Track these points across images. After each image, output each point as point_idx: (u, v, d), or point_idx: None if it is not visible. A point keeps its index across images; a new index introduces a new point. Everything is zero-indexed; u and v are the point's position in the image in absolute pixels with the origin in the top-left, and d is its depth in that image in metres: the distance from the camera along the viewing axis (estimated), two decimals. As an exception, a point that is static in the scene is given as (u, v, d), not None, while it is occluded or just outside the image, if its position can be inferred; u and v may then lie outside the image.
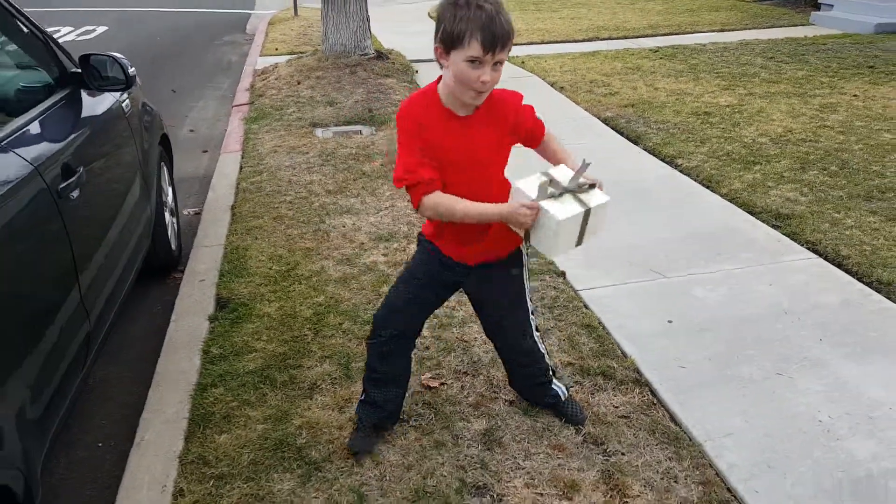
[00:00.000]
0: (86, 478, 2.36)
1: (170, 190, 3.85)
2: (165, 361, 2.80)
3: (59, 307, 2.03)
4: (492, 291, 2.20)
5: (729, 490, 2.14)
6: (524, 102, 2.00)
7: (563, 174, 1.89)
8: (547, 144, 2.06)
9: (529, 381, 2.42)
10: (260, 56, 8.95)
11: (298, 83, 6.98)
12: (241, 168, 4.97)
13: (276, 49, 9.27)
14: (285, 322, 3.02)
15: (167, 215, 3.64)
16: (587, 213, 1.83)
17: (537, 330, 2.32)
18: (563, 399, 2.42)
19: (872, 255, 3.46)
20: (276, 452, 2.27)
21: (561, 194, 1.82)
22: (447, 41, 1.73)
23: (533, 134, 2.03)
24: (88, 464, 2.41)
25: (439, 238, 2.08)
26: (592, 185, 1.87)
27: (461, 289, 2.24)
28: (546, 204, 1.79)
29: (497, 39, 1.68)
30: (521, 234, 1.90)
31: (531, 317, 2.27)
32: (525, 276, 2.20)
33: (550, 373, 2.40)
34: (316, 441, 2.32)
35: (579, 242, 1.90)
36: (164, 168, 3.75)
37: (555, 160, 2.00)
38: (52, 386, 1.92)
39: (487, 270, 2.10)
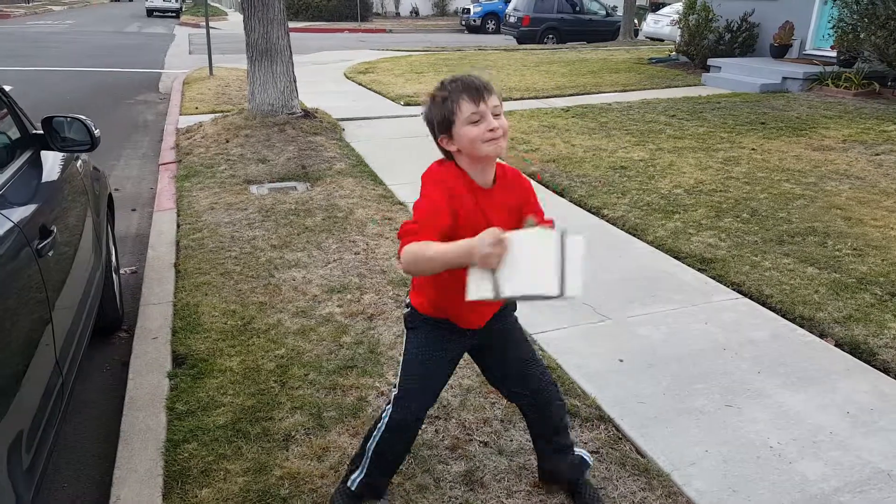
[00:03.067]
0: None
1: (113, 248, 3.76)
2: (130, 419, 2.70)
3: (42, 360, 2.00)
4: (505, 340, 2.16)
5: (700, 513, 2.28)
6: None
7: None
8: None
9: (559, 424, 2.25)
10: (180, 115, 8.85)
11: (227, 141, 6.96)
12: (178, 226, 4.88)
13: (196, 108, 9.20)
14: (249, 375, 2.99)
15: (113, 274, 3.55)
16: (562, 238, 1.66)
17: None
18: (589, 464, 2.34)
19: (792, 294, 3.80)
20: (260, 505, 2.24)
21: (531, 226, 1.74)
22: (444, 125, 1.81)
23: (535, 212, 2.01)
24: (54, 533, 2.29)
25: (440, 311, 2.00)
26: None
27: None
28: (513, 234, 1.65)
29: (481, 88, 1.78)
30: (489, 281, 1.66)
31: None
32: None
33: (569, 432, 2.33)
34: (299, 491, 2.30)
35: (562, 287, 1.65)
36: (109, 226, 3.67)
37: None
38: (38, 434, 1.87)
39: (492, 324, 2.08)
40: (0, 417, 1.65)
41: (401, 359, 2.10)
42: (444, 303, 1.97)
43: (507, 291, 1.63)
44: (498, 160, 1.91)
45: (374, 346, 3.24)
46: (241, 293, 3.78)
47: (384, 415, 2.12)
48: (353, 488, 2.19)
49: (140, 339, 3.33)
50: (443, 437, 2.62)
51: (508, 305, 2.12)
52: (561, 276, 1.64)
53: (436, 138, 1.87)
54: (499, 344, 2.16)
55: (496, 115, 1.79)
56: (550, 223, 1.86)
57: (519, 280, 1.63)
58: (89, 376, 3.16)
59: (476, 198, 1.86)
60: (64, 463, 2.61)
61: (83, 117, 2.79)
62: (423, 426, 2.66)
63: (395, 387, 2.10)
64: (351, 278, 3.97)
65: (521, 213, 1.93)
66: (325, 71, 13.23)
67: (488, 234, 1.61)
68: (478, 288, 1.65)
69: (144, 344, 3.28)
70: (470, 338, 2.08)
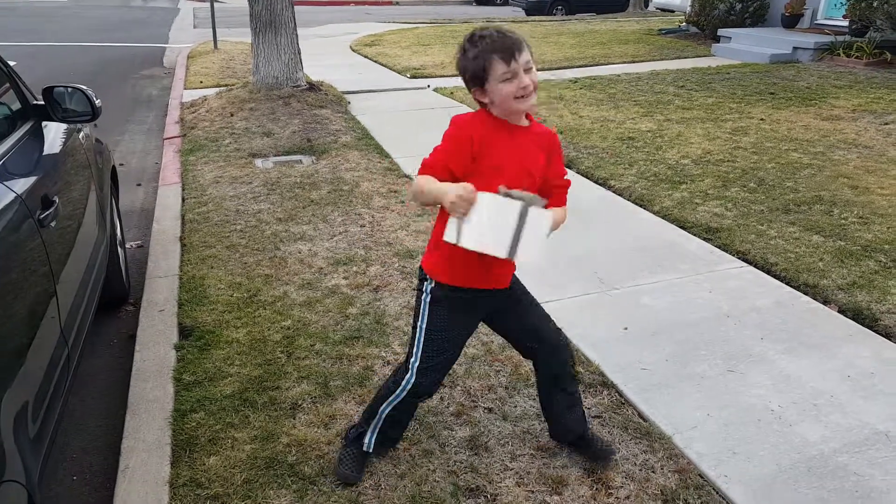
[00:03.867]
0: (65, 513, 2.28)
1: (118, 222, 3.78)
2: (137, 390, 2.74)
3: (47, 331, 2.02)
4: (519, 299, 2.21)
5: (701, 476, 2.31)
6: None
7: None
8: (551, 188, 2.05)
9: (571, 380, 2.33)
10: (185, 89, 8.83)
11: (231, 115, 6.95)
12: (183, 200, 4.90)
13: (201, 82, 9.17)
14: (256, 346, 3.02)
15: (118, 247, 3.58)
16: (523, 211, 1.75)
17: None
18: (588, 421, 2.41)
19: (797, 262, 3.80)
20: (268, 471, 2.28)
21: (507, 195, 1.78)
22: (477, 80, 1.85)
23: (553, 175, 2.04)
24: (67, 499, 2.34)
25: (458, 273, 2.01)
26: (539, 201, 1.81)
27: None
28: (483, 194, 1.75)
29: (513, 47, 1.80)
30: (453, 231, 1.80)
31: None
32: None
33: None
34: (306, 457, 2.34)
35: (512, 249, 1.78)
36: (113, 200, 3.69)
37: None
38: (45, 404, 1.90)
39: (511, 287, 2.13)
40: (6, 387, 1.68)
41: (420, 328, 2.09)
42: (457, 258, 1.97)
43: (464, 242, 1.79)
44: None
45: (380, 317, 3.26)
46: (246, 266, 3.81)
47: (405, 383, 2.13)
48: (370, 450, 2.28)
49: (146, 312, 3.36)
50: (448, 403, 2.65)
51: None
52: (514, 242, 1.78)
53: (469, 89, 1.91)
54: (514, 307, 2.20)
55: (527, 70, 1.82)
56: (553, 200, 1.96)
57: (475, 236, 1.77)
58: (96, 349, 3.20)
59: (511, 135, 1.92)
60: (72, 434, 2.66)
61: (84, 87, 2.79)
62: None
63: (415, 357, 2.10)
64: (356, 250, 3.99)
65: (547, 166, 2.00)
66: (330, 43, 13.13)
67: (460, 187, 1.74)
68: (447, 231, 1.83)
69: (151, 316, 3.32)
70: (489, 303, 2.12)
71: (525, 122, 1.95)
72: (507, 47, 1.79)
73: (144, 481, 2.24)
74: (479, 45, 1.81)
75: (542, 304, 2.28)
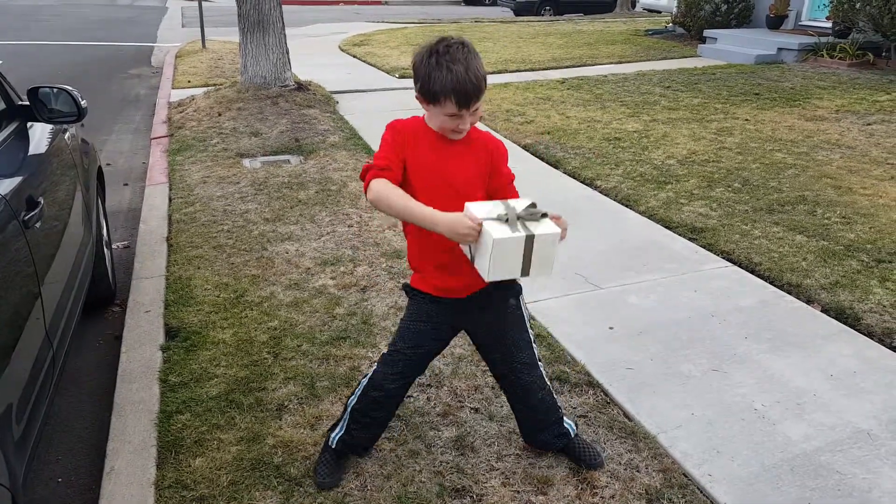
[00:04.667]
0: (50, 516, 2.27)
1: (104, 223, 3.76)
2: (123, 391, 2.73)
3: (31, 333, 2.01)
4: (492, 325, 2.15)
5: (685, 475, 2.33)
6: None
7: (518, 204, 1.88)
8: (503, 192, 2.05)
9: (543, 419, 2.32)
10: (173, 88, 8.78)
11: (219, 115, 6.92)
12: (170, 200, 4.88)
13: (189, 81, 9.13)
14: (242, 347, 3.02)
15: (104, 248, 3.56)
16: (529, 239, 1.77)
17: (540, 360, 2.27)
18: (572, 435, 2.36)
19: (780, 262, 3.84)
20: (254, 472, 2.28)
21: (508, 219, 1.79)
22: (425, 96, 1.86)
23: (501, 183, 2.06)
24: (52, 501, 2.33)
25: (422, 272, 2.08)
26: (545, 215, 1.84)
27: (462, 330, 2.23)
28: (489, 224, 1.77)
29: (470, 97, 1.81)
30: (467, 252, 1.89)
31: (534, 346, 2.23)
32: (523, 304, 2.19)
33: (560, 409, 2.35)
34: (293, 459, 2.35)
35: (525, 272, 1.83)
36: (99, 200, 3.68)
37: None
38: (29, 406, 1.89)
39: (482, 301, 2.08)
40: None
41: (401, 320, 2.19)
42: (416, 262, 2.09)
43: (477, 265, 1.85)
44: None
45: (368, 318, 3.26)
46: (233, 266, 3.80)
47: (370, 371, 2.20)
48: (332, 445, 2.26)
49: (133, 313, 3.35)
50: (434, 404, 2.66)
51: (508, 298, 2.14)
52: (526, 264, 1.81)
53: (415, 88, 1.91)
54: (491, 342, 2.20)
55: (473, 112, 1.86)
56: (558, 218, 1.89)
57: (486, 265, 1.79)
58: (82, 350, 3.19)
59: (437, 144, 1.94)
60: (58, 436, 2.64)
61: (69, 88, 2.78)
62: (415, 394, 2.70)
63: (387, 347, 2.19)
64: (344, 251, 3.99)
65: (489, 180, 2.00)
66: (319, 43, 13.11)
67: (462, 224, 1.75)
68: (464, 249, 1.90)
69: (137, 317, 3.30)
70: (455, 315, 2.11)
71: (457, 136, 1.94)
72: (465, 94, 1.79)
73: (130, 483, 2.23)
74: (443, 72, 1.78)
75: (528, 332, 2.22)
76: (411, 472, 2.30)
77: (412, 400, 2.66)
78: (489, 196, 2.00)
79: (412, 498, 2.19)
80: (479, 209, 1.81)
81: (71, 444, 2.61)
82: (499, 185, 2.03)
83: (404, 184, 1.92)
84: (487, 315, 2.13)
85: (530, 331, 2.22)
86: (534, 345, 2.23)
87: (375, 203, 1.86)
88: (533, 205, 1.83)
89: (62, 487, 2.39)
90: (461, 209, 1.82)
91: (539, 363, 2.25)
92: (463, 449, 2.42)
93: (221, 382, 2.77)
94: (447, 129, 1.89)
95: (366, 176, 1.88)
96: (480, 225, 1.76)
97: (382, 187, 1.84)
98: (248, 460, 2.33)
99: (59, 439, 2.63)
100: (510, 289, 2.13)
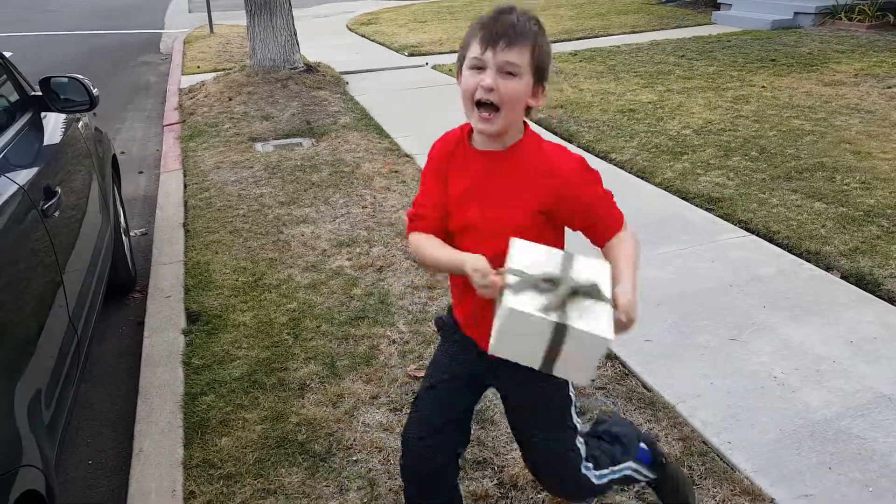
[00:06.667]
0: (84, 496, 2.33)
1: (121, 211, 3.80)
2: (148, 375, 2.79)
3: (55, 321, 2.05)
4: (519, 395, 1.67)
5: (705, 443, 2.34)
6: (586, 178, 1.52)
7: (584, 269, 1.35)
8: (612, 248, 1.54)
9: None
10: (182, 75, 8.80)
11: (230, 99, 6.93)
12: (185, 186, 4.92)
13: (199, 67, 9.13)
14: (262, 329, 3.05)
15: (122, 235, 3.61)
16: (559, 329, 1.25)
17: (587, 460, 1.72)
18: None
19: (799, 229, 3.80)
20: (279, 449, 2.33)
21: (552, 286, 1.29)
22: (459, 58, 1.48)
23: (594, 223, 1.53)
24: (83, 482, 2.39)
25: (455, 307, 1.67)
26: (604, 299, 1.30)
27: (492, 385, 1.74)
28: (513, 280, 1.30)
29: (498, 33, 1.37)
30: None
31: (578, 442, 1.70)
32: (569, 387, 1.67)
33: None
34: (316, 436, 2.39)
35: (546, 366, 1.32)
36: (116, 189, 3.71)
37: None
38: (57, 391, 1.94)
39: (512, 374, 1.53)
40: (18, 377, 1.71)
41: None
42: (454, 299, 1.68)
43: (497, 352, 1.37)
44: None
45: (385, 297, 3.29)
46: (250, 250, 3.83)
47: None
48: None
49: (153, 299, 3.40)
50: (453, 380, 2.68)
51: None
52: (550, 357, 1.30)
53: None
54: (517, 410, 1.73)
55: (507, 74, 1.39)
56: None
57: (494, 333, 1.34)
58: (106, 336, 3.24)
59: (470, 169, 1.52)
60: (86, 420, 2.70)
61: (81, 76, 2.80)
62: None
63: None
64: (359, 232, 4.01)
65: (567, 218, 1.52)
66: (326, 23, 13.03)
67: (475, 270, 1.35)
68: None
69: (158, 303, 3.35)
70: (478, 363, 1.62)
71: (498, 145, 1.49)
72: (494, 31, 1.38)
73: (158, 463, 2.29)
74: (480, 19, 1.43)
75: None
76: (433, 446, 2.33)
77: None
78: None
79: (434, 472, 2.22)
80: (523, 253, 1.36)
81: (99, 427, 2.67)
82: (591, 222, 1.53)
83: (451, 215, 1.54)
84: (517, 375, 1.51)
85: (574, 419, 1.68)
86: (579, 441, 1.70)
87: (416, 259, 1.66)
88: (595, 286, 1.30)
89: (92, 469, 2.45)
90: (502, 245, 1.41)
91: (584, 461, 1.71)
92: (483, 423, 2.45)
93: (244, 364, 2.81)
94: (469, 104, 1.43)
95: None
96: (500, 281, 1.31)
97: (415, 243, 1.56)
98: (273, 438, 2.38)
99: (87, 423, 2.69)
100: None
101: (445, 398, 1.70)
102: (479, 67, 1.41)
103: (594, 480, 1.73)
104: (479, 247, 1.43)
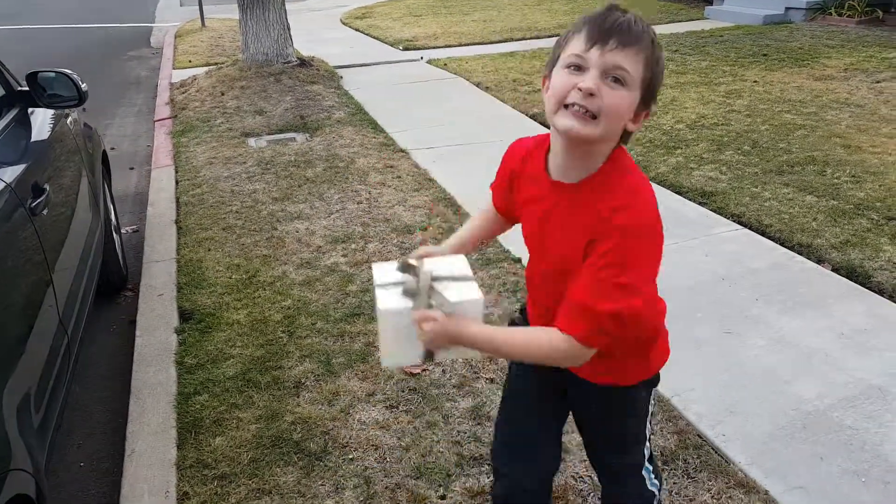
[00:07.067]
0: (75, 499, 2.32)
1: (112, 208, 3.78)
2: (140, 375, 2.77)
3: (45, 321, 2.04)
4: (586, 416, 1.57)
5: (700, 436, 2.35)
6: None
7: (444, 262, 1.39)
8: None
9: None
10: (174, 69, 8.74)
11: (222, 94, 6.89)
12: (177, 182, 4.89)
13: (190, 61, 9.07)
14: (256, 327, 3.04)
15: (113, 233, 3.58)
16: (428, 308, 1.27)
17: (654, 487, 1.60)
18: None
19: (791, 223, 3.81)
20: (274, 449, 2.32)
21: (415, 281, 1.30)
22: (552, 58, 1.25)
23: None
24: (75, 485, 2.38)
25: (528, 305, 1.56)
26: (465, 278, 1.32)
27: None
28: (382, 291, 1.31)
29: (610, 30, 1.15)
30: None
31: (646, 469, 1.58)
32: (644, 425, 1.54)
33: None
34: (311, 434, 2.38)
35: (429, 355, 1.32)
36: (106, 185, 3.69)
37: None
38: (47, 393, 1.93)
39: (580, 385, 1.45)
40: (7, 379, 1.70)
41: None
42: (528, 296, 1.54)
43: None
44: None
45: (378, 293, 3.27)
46: (244, 247, 3.81)
47: None
48: None
49: (145, 297, 3.38)
50: (450, 376, 2.68)
51: (609, 391, 1.46)
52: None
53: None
54: (581, 416, 1.59)
55: (614, 80, 1.16)
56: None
57: (381, 345, 1.41)
58: (97, 336, 3.22)
59: (534, 183, 1.34)
60: (77, 421, 2.68)
61: (69, 71, 2.76)
62: (431, 367, 2.71)
63: None
64: (354, 228, 3.99)
65: (581, 246, 1.23)
66: (320, 17, 12.96)
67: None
68: None
69: (150, 301, 3.34)
70: (556, 373, 1.42)
71: (570, 173, 1.26)
72: (605, 28, 1.16)
73: (151, 464, 2.28)
74: (589, 15, 1.21)
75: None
76: (429, 442, 2.33)
77: (427, 373, 2.69)
78: None
79: (431, 468, 2.23)
80: (385, 272, 1.35)
81: (91, 428, 2.66)
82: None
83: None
84: (587, 397, 1.49)
85: (645, 447, 1.56)
86: (647, 468, 1.58)
87: None
88: (453, 272, 1.33)
89: (84, 471, 2.44)
90: (557, 287, 1.28)
91: (650, 481, 1.59)
92: (480, 418, 2.45)
93: (238, 362, 2.80)
94: (554, 105, 1.19)
95: None
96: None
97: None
98: (268, 437, 2.37)
99: (78, 425, 2.67)
100: (620, 397, 1.47)
101: (525, 416, 1.59)
102: (579, 67, 1.17)
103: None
104: (536, 270, 1.41)
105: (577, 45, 1.17)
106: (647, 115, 1.22)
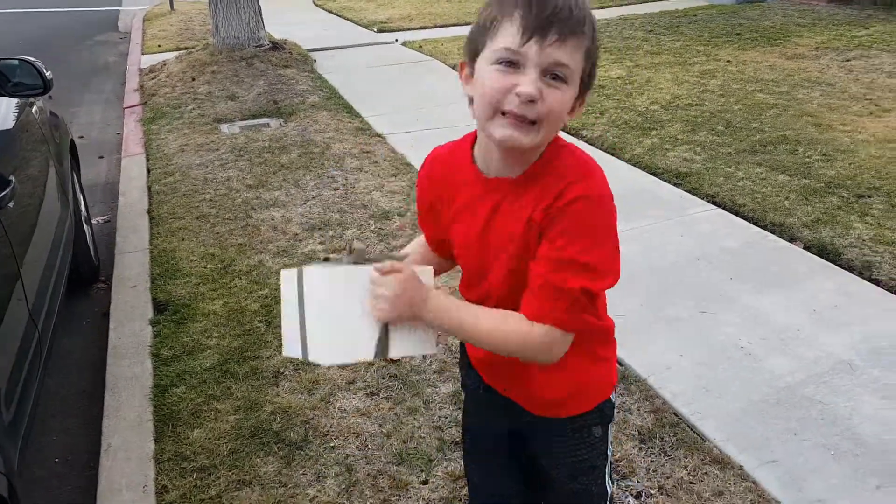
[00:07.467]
0: (52, 495, 2.29)
1: (81, 198, 3.70)
2: (115, 368, 2.74)
3: (14, 315, 2.00)
4: (538, 448, 1.35)
5: (676, 414, 2.39)
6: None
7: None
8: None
9: None
10: (143, 54, 8.57)
11: (193, 79, 6.77)
12: (148, 171, 4.81)
13: (159, 46, 8.90)
14: (233, 317, 3.02)
15: (83, 224, 3.52)
16: (298, 279, 1.10)
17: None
18: None
19: (764, 202, 3.86)
20: (253, 439, 2.31)
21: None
22: (472, 43, 1.06)
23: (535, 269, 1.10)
24: (51, 481, 2.35)
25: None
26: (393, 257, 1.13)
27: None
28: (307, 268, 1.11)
29: (550, 19, 0.97)
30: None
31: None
32: (602, 459, 1.34)
33: None
34: (291, 424, 2.37)
35: (382, 348, 1.09)
36: (75, 175, 3.61)
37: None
38: (18, 389, 1.90)
39: (528, 421, 1.30)
40: None
41: None
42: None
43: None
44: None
45: (356, 280, 3.26)
46: (218, 236, 3.77)
47: None
48: None
49: (118, 289, 3.33)
50: (430, 362, 2.68)
51: (589, 426, 1.31)
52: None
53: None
54: (532, 449, 1.37)
55: (553, 78, 1.00)
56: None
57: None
58: (70, 329, 3.16)
59: (461, 188, 1.17)
60: (52, 417, 2.64)
61: (32, 59, 2.70)
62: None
63: None
64: (331, 214, 3.96)
65: (526, 236, 1.10)
66: None
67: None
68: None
69: (123, 293, 3.29)
70: (503, 404, 1.31)
71: (506, 169, 1.11)
72: (543, 15, 0.97)
73: (128, 458, 2.26)
74: None
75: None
76: (411, 428, 2.34)
77: (407, 360, 2.69)
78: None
79: (413, 454, 2.23)
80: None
81: (66, 423, 2.62)
82: (531, 266, 1.10)
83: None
84: (536, 428, 1.32)
85: (606, 485, 1.36)
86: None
87: None
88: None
89: (60, 467, 2.41)
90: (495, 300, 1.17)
91: None
92: (461, 403, 2.44)
93: (215, 353, 2.78)
94: (487, 108, 1.03)
95: None
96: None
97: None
98: (247, 428, 2.36)
99: (53, 420, 2.63)
100: (575, 423, 1.29)
101: (490, 465, 1.44)
102: (514, 64, 0.99)
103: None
104: (473, 274, 1.23)
105: (508, 36, 0.99)
106: (583, 105, 1.08)
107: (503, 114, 1.01)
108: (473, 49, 1.06)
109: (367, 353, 1.08)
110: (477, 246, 1.17)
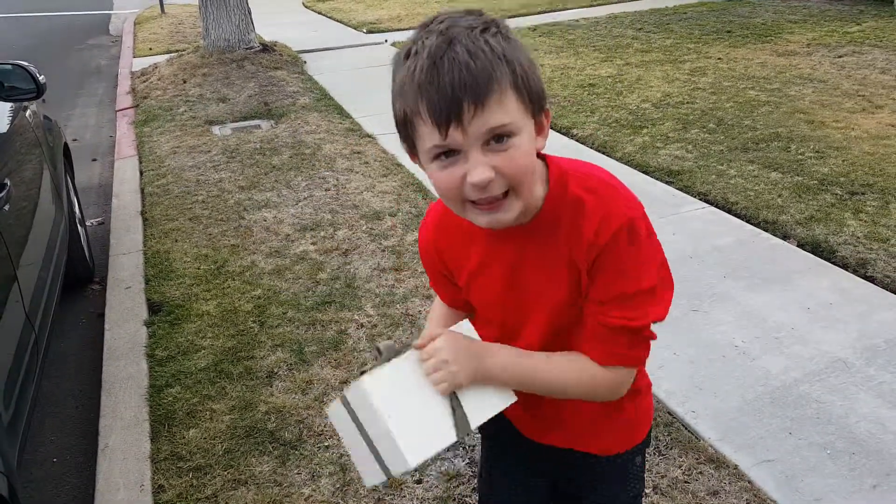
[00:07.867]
0: (49, 495, 2.29)
1: (75, 200, 3.70)
2: (110, 369, 2.74)
3: (11, 317, 2.00)
4: (583, 487, 1.30)
5: (670, 413, 2.40)
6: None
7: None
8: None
9: None
10: (134, 57, 8.56)
11: (184, 82, 6.76)
12: (141, 173, 4.81)
13: (150, 49, 8.89)
14: (227, 318, 3.02)
15: (78, 226, 3.51)
16: (346, 402, 1.02)
17: None
18: None
19: (756, 199, 3.88)
20: (248, 439, 2.31)
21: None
22: (404, 140, 0.98)
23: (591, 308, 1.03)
24: (49, 482, 2.35)
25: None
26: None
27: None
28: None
29: (452, 99, 0.86)
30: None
31: None
32: (642, 485, 1.33)
33: None
34: (286, 423, 2.38)
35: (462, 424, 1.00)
36: (69, 178, 3.61)
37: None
38: (16, 390, 1.90)
39: (570, 461, 1.24)
40: None
41: None
42: None
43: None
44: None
45: (351, 281, 3.27)
46: (211, 237, 3.76)
47: None
48: None
49: (113, 290, 3.33)
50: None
51: (605, 462, 1.24)
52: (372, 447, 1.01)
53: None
54: (581, 500, 1.31)
55: (497, 141, 0.89)
56: None
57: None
58: (66, 331, 3.17)
59: (469, 244, 1.09)
60: (49, 417, 2.64)
61: (25, 63, 2.70)
62: (404, 338, 2.71)
63: None
64: (323, 215, 3.96)
65: (562, 275, 1.03)
66: (282, 1, 12.75)
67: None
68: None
69: (118, 294, 3.28)
70: (539, 455, 1.25)
71: (521, 220, 1.00)
72: (445, 99, 0.86)
73: (125, 458, 2.26)
74: (408, 73, 0.90)
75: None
76: (404, 429, 2.34)
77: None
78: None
79: (406, 454, 2.23)
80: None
81: (63, 424, 2.62)
82: (589, 311, 1.04)
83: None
84: (577, 476, 1.29)
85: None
86: None
87: None
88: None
89: (58, 467, 2.41)
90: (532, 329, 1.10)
91: None
92: (453, 403, 2.46)
93: (209, 354, 2.77)
94: (455, 202, 0.96)
95: None
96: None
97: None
98: (242, 428, 2.36)
99: (50, 421, 2.63)
100: (616, 470, 1.26)
101: (505, 491, 1.37)
102: (453, 152, 0.91)
103: None
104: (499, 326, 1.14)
105: (428, 134, 0.90)
106: (548, 116, 0.98)
107: (473, 202, 0.94)
108: (409, 145, 0.97)
109: (447, 435, 0.99)
110: (504, 302, 1.10)
